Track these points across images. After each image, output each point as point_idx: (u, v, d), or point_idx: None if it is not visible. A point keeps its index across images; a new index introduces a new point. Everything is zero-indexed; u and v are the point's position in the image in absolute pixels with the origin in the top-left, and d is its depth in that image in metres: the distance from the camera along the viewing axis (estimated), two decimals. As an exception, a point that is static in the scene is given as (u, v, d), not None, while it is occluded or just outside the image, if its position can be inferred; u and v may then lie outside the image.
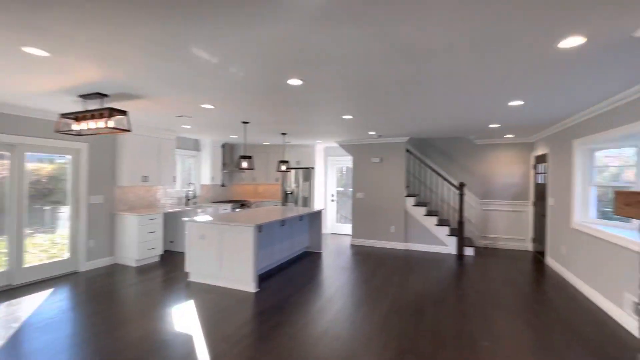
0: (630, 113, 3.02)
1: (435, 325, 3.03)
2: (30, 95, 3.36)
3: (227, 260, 4.03)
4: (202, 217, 4.45)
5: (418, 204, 6.25)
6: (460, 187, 5.79)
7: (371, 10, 1.63)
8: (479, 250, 6.11)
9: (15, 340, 2.71)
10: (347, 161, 7.97)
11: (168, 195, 6.22)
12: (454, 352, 2.56)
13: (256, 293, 3.85)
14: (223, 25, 1.79)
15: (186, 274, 4.51)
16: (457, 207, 6.53)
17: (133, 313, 3.26)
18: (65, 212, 4.61)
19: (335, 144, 7.49)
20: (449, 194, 6.54)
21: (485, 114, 4.04)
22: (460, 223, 5.79)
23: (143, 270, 4.78)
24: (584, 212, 4.04)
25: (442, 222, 6.13)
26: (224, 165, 7.67)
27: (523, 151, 6.26)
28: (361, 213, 6.71)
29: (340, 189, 8.21)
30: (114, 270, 4.75)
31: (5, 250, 3.95)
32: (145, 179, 5.34)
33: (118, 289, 3.95)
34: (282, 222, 5.03)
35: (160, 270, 4.79)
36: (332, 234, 8.06)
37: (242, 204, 7.40)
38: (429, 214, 6.20)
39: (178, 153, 6.47)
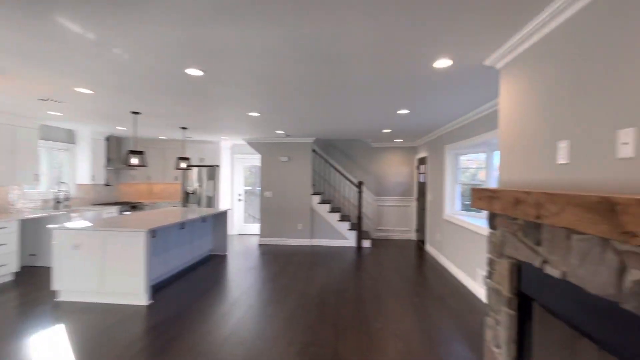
0: (481, 125, 3.81)
1: (337, 314, 3.25)
2: None
3: (112, 272, 3.47)
4: (77, 223, 3.73)
5: (323, 202, 6.58)
6: (359, 185, 6.34)
7: (276, 8, 1.63)
8: (375, 242, 6.81)
9: None
10: (255, 159, 7.82)
11: (28, 198, 4.99)
12: (353, 337, 2.78)
13: (149, 306, 3.43)
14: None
15: (54, 293, 3.70)
16: (356, 203, 7.12)
17: (-31, 351, 2.50)
18: None
19: (242, 142, 7.27)
20: (350, 192, 7.08)
21: (380, 120, 4.51)
22: (359, 218, 6.34)
23: (-13, 294, 3.72)
24: (452, 205, 4.92)
25: (343, 218, 6.60)
26: (109, 161, 6.58)
27: (409, 154, 7.24)
28: (269, 212, 6.68)
29: (248, 187, 8.01)
30: (-63, 299, 3.56)
31: None
32: (-10, 177, 4.16)
33: (-56, 323, 2.98)
34: (182, 225, 4.61)
35: (14, 292, 3.81)
36: (240, 234, 7.80)
37: (133, 206, 6.49)
38: (333, 210, 6.60)
39: (43, 145, 5.26)
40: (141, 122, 4.87)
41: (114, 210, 5.96)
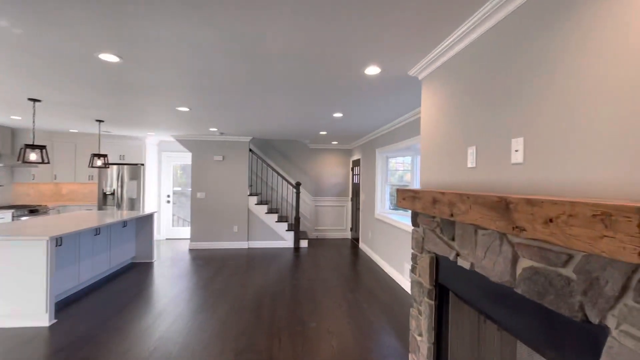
0: (407, 131, 4.13)
1: (272, 317, 3.20)
2: None
3: (4, 289, 2.89)
4: (-50, 233, 3.02)
5: (260, 203, 6.44)
6: (297, 186, 6.36)
7: (208, 5, 1.53)
8: (312, 242, 6.90)
9: None
10: (186, 158, 7.30)
11: None
12: (288, 339, 2.77)
13: (52, 326, 2.95)
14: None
15: None
16: (294, 204, 7.14)
17: None
18: None
19: (171, 138, 6.72)
20: (288, 193, 7.07)
21: (316, 122, 4.59)
22: (297, 219, 6.36)
23: None
24: (382, 205, 5.24)
25: (281, 219, 6.55)
26: (0, 156, 5.49)
27: (345, 156, 7.51)
28: (202, 214, 6.30)
29: (178, 188, 7.43)
30: None
31: None
32: None
33: None
34: (96, 231, 4.07)
35: None
36: (168, 239, 7.20)
37: (33, 210, 5.52)
38: (270, 211, 6.50)
39: None
40: (44, 111, 4.16)
41: (7, 215, 4.99)
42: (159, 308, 3.39)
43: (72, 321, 3.05)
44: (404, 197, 2.18)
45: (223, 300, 3.62)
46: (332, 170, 7.45)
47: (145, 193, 6.65)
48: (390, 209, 5.21)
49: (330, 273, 4.72)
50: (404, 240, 4.14)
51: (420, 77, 2.45)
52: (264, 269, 4.91)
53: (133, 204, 6.51)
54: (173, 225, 7.34)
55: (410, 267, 3.75)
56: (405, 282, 4.07)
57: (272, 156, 7.17)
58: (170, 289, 3.97)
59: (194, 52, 2.15)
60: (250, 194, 6.41)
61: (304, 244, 6.46)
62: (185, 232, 7.29)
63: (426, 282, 2.08)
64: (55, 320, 3.04)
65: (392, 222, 4.54)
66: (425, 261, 2.09)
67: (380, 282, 4.32)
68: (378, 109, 3.75)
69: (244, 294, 3.83)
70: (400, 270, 4.28)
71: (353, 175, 7.27)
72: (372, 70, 2.46)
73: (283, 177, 6.53)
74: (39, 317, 2.95)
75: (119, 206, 6.47)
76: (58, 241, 3.36)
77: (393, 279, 4.45)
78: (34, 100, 3.50)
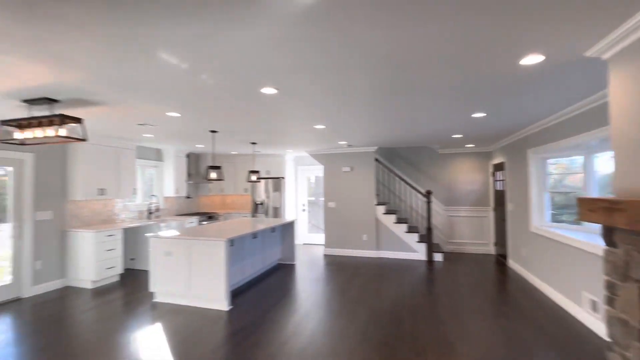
0: (577, 124, 3.32)
1: (414, 332, 3.06)
2: (-36, 101, 2.96)
3: (197, 277, 3.79)
4: (167, 232, 4.17)
5: (388, 212, 6.38)
6: (428, 194, 6.01)
7: (347, 19, 1.63)
8: (447, 256, 6.35)
9: (-58, 386, 2.31)
10: (317, 170, 7.98)
11: (127, 209, 5.78)
12: (434, 357, 2.58)
13: (229, 311, 3.65)
14: (197, 29, 1.70)
15: (151, 294, 4.17)
16: (424, 214, 6.76)
17: (89, 344, 2.92)
18: (6, 230, 4.09)
19: (304, 153, 7.47)
20: (417, 202, 6.75)
21: (451, 125, 4.24)
22: (429, 229, 5.98)
23: (101, 292, 4.35)
24: (540, 216, 4.35)
25: (411, 229, 6.30)
26: (189, 176, 7.31)
27: (482, 159, 6.66)
28: (333, 222, 6.70)
29: (311, 198, 8.17)
30: (67, 294, 4.27)
31: None
32: (102, 192, 4.91)
33: (72, 315, 3.55)
34: (254, 235, 4.86)
35: (121, 291, 4.39)
36: (304, 244, 7.96)
37: (210, 217, 7.08)
38: (399, 221, 6.35)
39: (138, 163, 6.06)
40: (217, 139, 5.31)
41: (194, 220, 6.56)
42: (305, 308, 3.73)
43: (242, 309, 3.70)
44: (591, 209, 1.73)
45: (360, 308, 3.70)
46: (467, 177, 6.73)
47: (286, 202, 7.58)
48: (551, 221, 4.28)
49: (475, 292, 4.20)
50: (580, 263, 3.30)
51: (605, 57, 1.93)
52: (398, 280, 4.79)
53: (276, 212, 7.51)
54: (308, 232, 8.08)
55: (602, 299, 2.95)
56: (583, 314, 3.22)
57: (398, 164, 7.04)
58: (312, 292, 4.33)
59: (337, 71, 2.32)
60: (378, 203, 6.43)
61: (438, 257, 6.01)
62: (319, 238, 7.90)
63: (636, 321, 1.57)
64: (232, 307, 3.76)
65: (559, 238, 3.70)
66: (632, 293, 1.59)
67: (544, 311, 3.56)
68: (533, 103, 3.16)
69: (380, 304, 3.82)
70: (575, 300, 3.42)
71: (495, 181, 6.36)
72: (532, 59, 2.09)
73: (411, 186, 6.29)
74: (221, 302, 3.70)
75: (266, 214, 7.58)
76: (231, 242, 4.16)
77: (563, 309, 3.59)
78: (213, 131, 4.51)
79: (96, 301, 4.02)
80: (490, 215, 6.53)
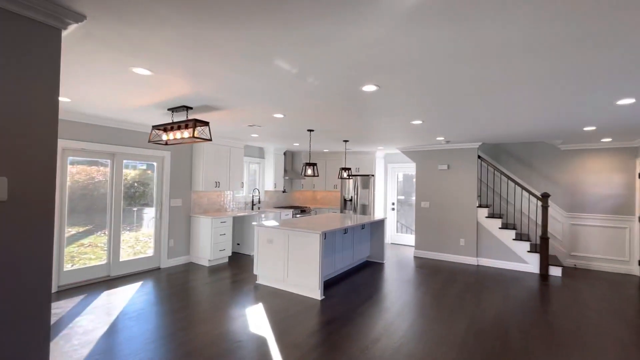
0: None
1: (525, 353, 2.68)
2: (129, 110, 3.81)
3: (294, 265, 4.09)
4: (269, 222, 4.60)
5: (492, 216, 5.71)
6: (544, 197, 5.15)
7: (461, 9, 1.50)
8: (567, 271, 5.35)
9: (115, 327, 3.04)
10: (407, 168, 7.67)
11: (235, 200, 6.59)
12: (555, 390, 2.21)
13: (322, 300, 3.83)
14: (309, 34, 1.81)
15: (255, 277, 4.68)
16: (538, 220, 5.83)
17: (209, 312, 3.45)
18: (149, 213, 5.13)
19: (396, 151, 7.26)
20: (528, 206, 5.86)
21: (582, 115, 3.53)
22: (544, 239, 5.14)
23: (215, 270, 5.09)
24: None
25: (520, 237, 5.51)
26: (286, 172, 7.91)
27: (624, 157, 5.37)
28: (426, 223, 6.35)
29: (401, 197, 7.91)
30: (190, 269, 5.14)
31: (105, 246, 4.52)
32: (217, 184, 5.72)
33: (195, 287, 4.25)
34: (345, 230, 4.97)
35: (230, 271, 5.06)
36: (392, 243, 7.77)
37: (302, 210, 7.53)
38: (505, 227, 5.62)
39: (245, 160, 6.84)
40: (313, 137, 5.59)
41: (289, 213, 7.08)
42: (396, 308, 3.65)
43: (333, 300, 3.83)
44: None
45: (457, 317, 3.43)
46: (599, 178, 5.52)
47: (375, 200, 7.52)
48: None
49: (609, 318, 3.43)
50: None
51: None
52: (502, 292, 4.26)
53: (365, 209, 7.52)
54: (397, 232, 7.86)
55: None
56: None
57: (506, 163, 6.23)
58: (403, 293, 4.20)
59: (439, 65, 2.17)
60: (480, 206, 5.82)
61: (555, 271, 5.12)
62: (408, 238, 7.60)
63: None
64: (324, 297, 3.93)
65: None
66: None
67: None
68: None
69: (482, 316, 3.46)
70: None
71: (642, 184, 5.05)
72: None
73: (522, 187, 5.49)
74: (314, 291, 3.91)
75: (354, 210, 7.66)
76: (325, 235, 4.35)
77: None
78: (310, 130, 4.76)
79: (212, 277, 4.71)
80: (635, 226, 5.22)
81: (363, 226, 5.60)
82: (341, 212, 7.87)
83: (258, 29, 1.75)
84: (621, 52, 1.94)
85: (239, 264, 5.46)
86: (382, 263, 5.77)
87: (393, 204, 7.91)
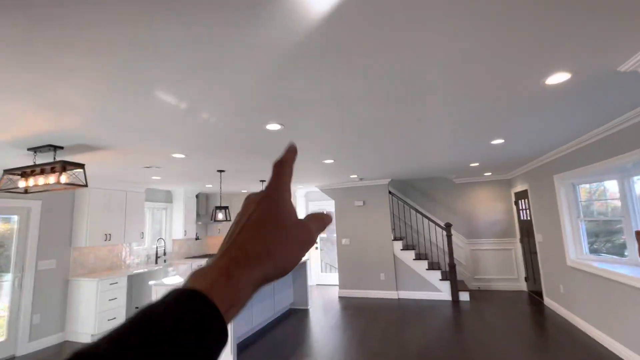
0: (609, 146, 3.04)
1: (448, 395, 2.60)
2: (-30, 151, 2.95)
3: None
4: (173, 279, 3.92)
5: (406, 248, 5.98)
6: (447, 227, 5.63)
7: (346, 50, 1.50)
8: (474, 294, 5.80)
9: None
10: (328, 205, 7.73)
11: (134, 254, 5.60)
12: None
13: (235, 368, 3.27)
14: (190, 67, 1.59)
15: (151, 350, 3.83)
16: (445, 248, 6.32)
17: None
18: (7, 281, 3.92)
19: (315, 188, 7.29)
20: (436, 235, 6.35)
21: (467, 154, 4.01)
22: (452, 266, 5.53)
23: (99, 347, 4.03)
24: (577, 248, 3.93)
25: (432, 266, 5.84)
26: (198, 216, 7.17)
27: (503, 188, 6.31)
28: (348, 261, 6.32)
29: (324, 235, 7.84)
30: (62, 351, 3.97)
31: None
32: (108, 237, 4.78)
33: (63, 378, 3.23)
34: (264, 278, 4.54)
35: (119, 346, 4.06)
36: (318, 285, 7.50)
37: (219, 258, 6.80)
38: (418, 257, 5.92)
39: (147, 206, 5.98)
40: (226, 178, 5.21)
41: (203, 263, 6.29)
42: (325, 356, 3.32)
43: (249, 366, 3.30)
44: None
45: (383, 362, 3.26)
46: (487, 207, 6.34)
47: (297, 241, 7.26)
48: (589, 253, 3.84)
49: (511, 338, 3.68)
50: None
51: (642, 69, 1.73)
52: (422, 325, 4.30)
53: (288, 251, 7.18)
54: (322, 271, 7.65)
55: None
56: (649, 367, 2.71)
57: (413, 196, 6.74)
58: (328, 342, 3.90)
59: (341, 107, 2.18)
60: (395, 239, 6.06)
61: (464, 296, 5.48)
62: (333, 278, 7.45)
63: None
64: (237, 364, 3.37)
65: (607, 274, 3.25)
66: None
67: (595, 358, 3.05)
68: (559, 125, 2.93)
69: (406, 356, 3.36)
70: (632, 346, 2.92)
71: (519, 210, 5.95)
72: (557, 78, 1.90)
73: (429, 219, 5.95)
74: (226, 359, 3.32)
75: (277, 253, 7.25)
76: (237, 288, 3.87)
77: (616, 354, 3.06)
78: (220, 171, 4.40)
79: None
80: (518, 247, 6.04)
81: (284, 271, 5.24)
82: (263, 256, 7.35)
83: (127, 54, 1.47)
84: (493, 99, 2.21)
85: (134, 334, 4.46)
86: (307, 309, 5.42)
87: (316, 242, 7.77)
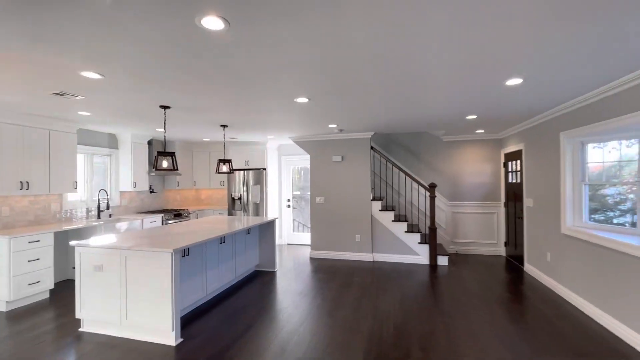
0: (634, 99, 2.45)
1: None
2: None
3: (134, 301, 2.81)
4: (100, 240, 3.15)
5: (385, 209, 5.49)
6: (431, 188, 5.14)
7: None
8: (453, 258, 5.52)
9: None
10: (303, 161, 7.02)
11: (70, 207, 4.71)
12: None
13: (179, 346, 2.70)
14: None
15: (78, 322, 3.17)
16: (427, 211, 5.90)
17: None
18: None
19: (290, 141, 6.49)
20: (418, 197, 5.88)
21: (470, 100, 3.32)
22: (432, 229, 5.13)
23: (18, 316, 3.33)
24: (577, 215, 3.52)
25: (411, 229, 5.43)
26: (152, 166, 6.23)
27: (493, 148, 5.82)
28: (321, 220, 5.78)
29: (297, 192, 7.22)
30: (-34, 322, 3.24)
31: None
32: (24, 185, 3.84)
33: (-49, 360, 2.53)
34: (222, 239, 3.89)
35: (44, 315, 3.37)
36: (289, 244, 7.03)
37: (177, 214, 6.05)
38: (397, 219, 5.47)
39: (83, 150, 4.98)
40: (177, 120, 4.29)
41: (157, 219, 5.54)
42: (281, 339, 2.81)
43: (197, 342, 2.74)
44: None
45: (354, 338, 2.80)
46: (475, 168, 5.87)
47: (268, 197, 6.61)
48: (588, 221, 3.45)
49: (492, 306, 3.34)
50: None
51: None
52: (398, 292, 3.91)
53: (257, 208, 6.53)
54: (294, 231, 7.14)
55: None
56: (635, 335, 2.40)
57: (396, 154, 6.13)
58: (294, 311, 3.41)
59: (327, 21, 1.36)
60: (374, 199, 5.53)
61: (442, 260, 5.17)
62: (306, 237, 6.98)
63: None
64: (182, 340, 2.80)
65: (615, 245, 2.83)
66: None
67: (579, 327, 2.74)
68: (588, 68, 2.26)
69: (379, 331, 2.92)
70: (623, 318, 2.60)
71: (507, 172, 5.52)
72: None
73: (412, 178, 5.40)
74: (166, 335, 2.73)
75: (245, 210, 6.60)
76: (186, 251, 3.19)
77: (604, 326, 2.78)
78: (164, 107, 3.48)
79: (7, 330, 3.00)
80: (501, 211, 5.71)
81: (249, 230, 4.61)
82: (229, 213, 6.68)
83: None
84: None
85: (66, 301, 3.77)
86: (274, 272, 4.92)
87: (289, 200, 7.15)
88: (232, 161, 6.36)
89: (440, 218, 5.96)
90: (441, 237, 5.97)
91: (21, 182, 3.81)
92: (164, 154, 3.41)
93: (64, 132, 4.31)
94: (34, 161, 3.95)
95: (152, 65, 2.27)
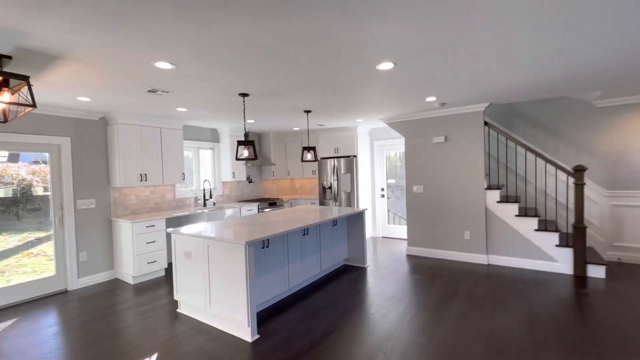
0: None
1: None
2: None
3: (217, 290, 2.80)
4: (192, 228, 3.29)
5: (505, 200, 4.32)
6: (577, 172, 3.74)
7: None
8: (611, 269, 3.98)
9: None
10: (399, 145, 6.27)
11: (181, 196, 5.30)
12: None
13: (254, 343, 2.55)
14: None
15: (177, 303, 3.43)
16: (570, 203, 4.43)
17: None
18: (44, 221, 3.87)
19: (382, 124, 5.84)
20: (555, 185, 4.46)
21: (659, 30, 2.07)
22: (578, 228, 3.75)
23: (140, 290, 3.86)
24: None
25: (545, 226, 4.12)
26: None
27: (688, 111, 3.88)
28: (420, 213, 4.99)
29: (392, 180, 6.52)
30: (113, 289, 3.92)
31: (-31, 270, 3.29)
32: (144, 177, 4.41)
33: (95, 319, 2.99)
34: (305, 231, 3.65)
35: (157, 291, 3.80)
36: (384, 237, 6.45)
37: (272, 203, 6.21)
38: (524, 213, 4.24)
39: (190, 145, 5.51)
40: (259, 109, 4.23)
41: (253, 208, 5.77)
42: (368, 348, 2.34)
43: (272, 341, 2.54)
44: None
45: (460, 372, 2.11)
46: (654, 142, 4.06)
47: (359, 186, 6.16)
48: None
49: None
50: None
51: None
52: (525, 311, 2.92)
53: (349, 197, 6.16)
54: (388, 223, 6.51)
55: None
56: None
57: (521, 130, 4.78)
58: (382, 318, 2.89)
59: None
60: (489, 187, 4.43)
61: (595, 271, 3.75)
62: (402, 231, 6.27)
63: None
64: (258, 336, 2.64)
65: None
66: None
67: None
68: None
69: (499, 368, 2.13)
70: None
71: None
72: None
73: (547, 160, 4.07)
74: (241, 328, 2.62)
75: (336, 200, 6.32)
76: (265, 243, 3.04)
77: None
78: (243, 94, 3.38)
79: (129, 302, 3.46)
80: None
81: (335, 222, 4.27)
82: (320, 203, 6.53)
83: None
84: None
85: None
86: (364, 268, 4.47)
87: (382, 189, 6.54)
88: (316, 148, 6.15)
89: (592, 213, 4.38)
90: (593, 238, 4.40)
91: (140, 174, 4.38)
92: (244, 142, 3.34)
93: (173, 129, 4.79)
94: (149, 156, 4.49)
95: (230, 53, 2.06)
